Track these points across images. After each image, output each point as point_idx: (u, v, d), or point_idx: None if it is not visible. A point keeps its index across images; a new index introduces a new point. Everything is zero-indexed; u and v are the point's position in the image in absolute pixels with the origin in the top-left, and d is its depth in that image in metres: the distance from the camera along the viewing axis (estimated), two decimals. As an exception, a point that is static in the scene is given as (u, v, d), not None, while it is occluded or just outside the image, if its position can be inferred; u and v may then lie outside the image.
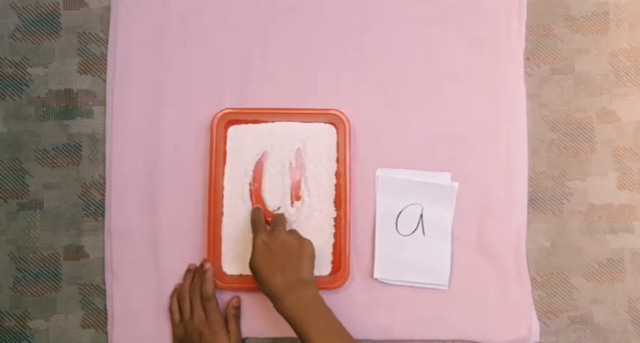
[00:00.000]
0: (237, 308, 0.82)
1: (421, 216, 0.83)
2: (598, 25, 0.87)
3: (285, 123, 0.84)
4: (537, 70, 0.86)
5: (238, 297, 0.82)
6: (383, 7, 0.86)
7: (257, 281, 0.76)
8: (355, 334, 0.82)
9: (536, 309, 0.83)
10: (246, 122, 0.84)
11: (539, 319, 0.83)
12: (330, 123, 0.84)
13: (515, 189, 0.84)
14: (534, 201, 0.84)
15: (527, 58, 0.86)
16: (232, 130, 0.84)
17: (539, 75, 0.86)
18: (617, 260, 0.84)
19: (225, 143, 0.84)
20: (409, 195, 0.83)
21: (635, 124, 0.85)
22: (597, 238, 0.84)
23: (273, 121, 0.84)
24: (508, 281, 0.82)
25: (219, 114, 0.83)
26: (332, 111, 0.83)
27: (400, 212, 0.83)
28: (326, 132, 0.84)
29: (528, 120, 0.85)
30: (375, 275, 0.82)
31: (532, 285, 0.83)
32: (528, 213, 0.84)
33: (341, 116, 0.83)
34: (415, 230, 0.83)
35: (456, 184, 0.83)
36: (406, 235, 0.83)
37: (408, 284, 0.83)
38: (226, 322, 0.81)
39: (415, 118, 0.85)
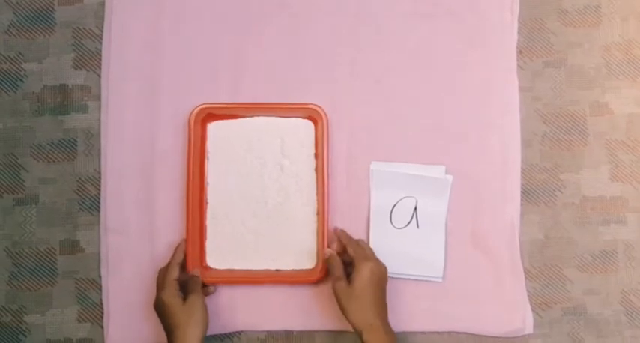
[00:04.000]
0: (197, 276, 0.80)
1: (415, 208, 0.84)
2: (590, 18, 0.87)
3: (263, 118, 0.84)
4: (530, 63, 0.87)
5: (197, 269, 0.81)
6: (376, 1, 0.87)
7: (339, 301, 0.76)
8: (348, 326, 0.83)
9: (529, 301, 0.83)
10: (225, 117, 0.84)
11: (532, 310, 0.83)
12: (308, 118, 0.84)
13: (509, 181, 0.84)
14: (527, 194, 0.85)
15: (519, 52, 0.86)
16: (212, 126, 0.84)
17: (532, 68, 0.86)
18: (610, 251, 0.84)
19: (203, 138, 0.83)
20: (403, 188, 0.84)
21: (628, 117, 0.86)
22: (590, 230, 0.84)
23: (252, 116, 0.84)
24: (502, 273, 0.83)
25: (195, 110, 0.83)
26: (310, 106, 0.83)
27: (394, 205, 0.84)
28: (303, 127, 0.84)
29: (521, 113, 0.85)
30: None
31: (526, 277, 0.83)
32: (521, 205, 0.84)
33: (319, 110, 0.83)
34: (409, 223, 0.84)
35: (450, 177, 0.84)
36: (400, 228, 0.84)
37: (403, 276, 0.83)
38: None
39: (409, 112, 0.85)
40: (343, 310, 0.76)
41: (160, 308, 0.77)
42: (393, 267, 0.82)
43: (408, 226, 0.84)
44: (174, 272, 0.79)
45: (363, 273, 0.76)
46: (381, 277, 0.77)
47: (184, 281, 0.79)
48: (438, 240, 0.83)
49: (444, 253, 0.83)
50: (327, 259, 0.80)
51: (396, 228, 0.84)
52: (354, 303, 0.75)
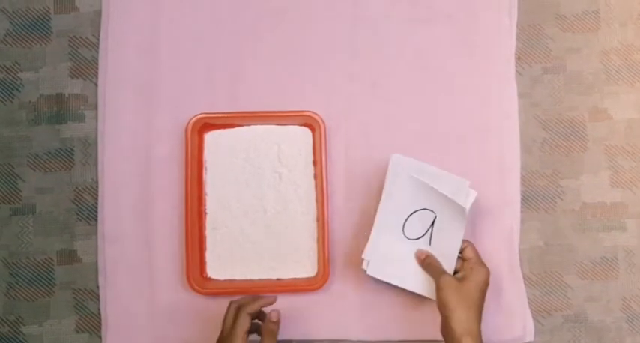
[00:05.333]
0: (276, 323, 0.75)
1: (432, 223, 0.80)
2: (589, 23, 0.87)
3: (260, 126, 0.84)
4: (529, 69, 0.86)
5: (278, 311, 0.75)
6: (374, 7, 0.86)
7: (445, 295, 0.74)
8: (349, 335, 0.82)
9: (530, 308, 0.83)
10: (222, 127, 0.84)
11: (533, 318, 0.83)
12: (305, 125, 0.84)
13: (508, 188, 0.84)
14: (527, 200, 0.84)
15: (518, 58, 0.86)
16: (209, 136, 0.84)
17: (531, 74, 0.86)
18: (611, 258, 0.84)
19: (200, 148, 0.83)
20: (425, 199, 0.79)
21: (627, 122, 0.85)
22: (590, 236, 0.84)
23: (249, 125, 0.84)
24: (502, 281, 0.82)
25: (192, 120, 0.82)
26: (307, 113, 0.83)
27: (412, 213, 0.80)
28: (301, 135, 0.84)
29: (520, 119, 0.85)
30: (367, 270, 0.79)
31: (526, 284, 0.83)
32: (521, 212, 0.84)
33: (316, 117, 0.83)
34: (422, 236, 0.80)
35: (474, 193, 0.79)
36: (412, 239, 0.81)
37: (400, 287, 0.81)
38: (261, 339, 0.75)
39: (407, 118, 0.85)
40: (446, 306, 0.72)
41: None
42: (393, 278, 0.80)
43: (420, 239, 0.80)
44: (246, 324, 0.72)
45: (481, 276, 0.75)
46: (487, 288, 0.75)
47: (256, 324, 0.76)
48: (447, 263, 0.78)
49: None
50: (424, 259, 0.79)
51: (407, 237, 0.81)
52: (462, 302, 0.72)
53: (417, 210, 0.80)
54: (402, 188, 0.79)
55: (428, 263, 0.79)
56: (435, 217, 0.79)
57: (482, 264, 0.77)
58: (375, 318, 0.83)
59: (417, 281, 0.80)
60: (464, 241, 0.79)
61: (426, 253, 0.79)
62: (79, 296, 0.84)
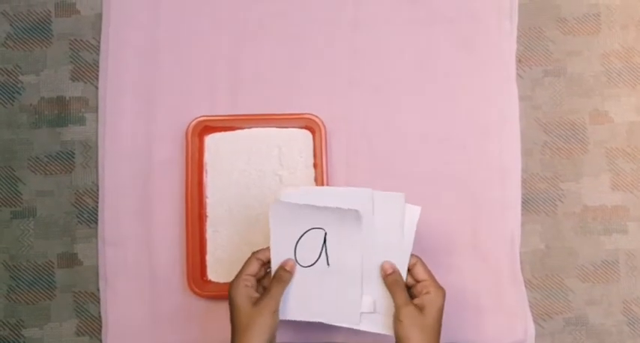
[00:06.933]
0: (288, 271, 0.71)
1: (324, 241, 0.71)
2: (589, 26, 0.87)
3: (260, 129, 0.84)
4: (529, 72, 0.86)
5: (293, 263, 0.71)
6: (374, 10, 0.86)
7: (403, 329, 0.68)
8: (350, 337, 0.82)
9: (531, 311, 0.83)
10: (222, 129, 0.84)
11: (534, 321, 0.83)
12: (306, 128, 0.83)
13: (509, 191, 0.84)
14: (528, 203, 0.84)
15: (519, 60, 0.86)
16: (210, 139, 0.84)
17: (532, 77, 0.86)
18: (612, 261, 0.84)
19: (201, 151, 0.83)
20: (309, 219, 0.71)
21: (628, 125, 0.85)
22: (591, 239, 0.84)
23: (250, 127, 0.84)
24: (503, 284, 0.82)
25: (193, 123, 0.82)
26: (307, 116, 0.83)
27: (299, 238, 0.72)
28: (301, 138, 0.84)
29: (521, 122, 0.85)
30: (281, 317, 0.71)
31: (527, 287, 0.83)
32: (522, 214, 0.84)
33: (316, 120, 0.83)
34: (317, 259, 0.72)
35: (417, 209, 0.71)
36: (307, 266, 0.72)
37: (318, 321, 0.73)
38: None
39: (407, 121, 0.85)
40: (404, 339, 0.67)
41: (229, 300, 0.70)
42: (300, 314, 0.73)
43: (316, 264, 0.72)
44: (252, 267, 0.71)
45: (440, 302, 0.69)
46: (443, 311, 0.70)
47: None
48: (353, 281, 0.71)
49: (359, 295, 0.72)
50: (390, 274, 0.70)
51: (301, 266, 0.72)
52: (425, 335, 0.67)
53: (304, 233, 0.71)
54: (288, 217, 0.71)
55: (393, 281, 0.70)
56: (326, 233, 0.71)
57: (438, 286, 0.70)
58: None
59: (323, 311, 0.73)
60: (412, 256, 0.71)
61: (392, 268, 0.71)
62: (79, 299, 0.84)
